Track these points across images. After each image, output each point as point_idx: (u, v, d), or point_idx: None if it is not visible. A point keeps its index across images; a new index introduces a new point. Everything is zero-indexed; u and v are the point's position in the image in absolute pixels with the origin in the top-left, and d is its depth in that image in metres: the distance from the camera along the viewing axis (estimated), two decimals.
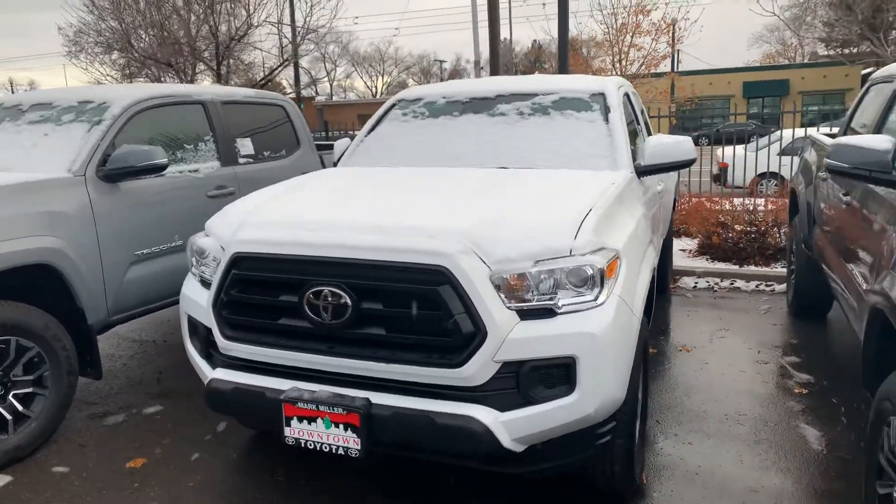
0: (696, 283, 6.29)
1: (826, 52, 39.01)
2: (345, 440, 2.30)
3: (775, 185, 10.81)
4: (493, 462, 2.33)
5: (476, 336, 2.18)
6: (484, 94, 3.93)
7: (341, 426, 2.29)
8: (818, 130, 6.65)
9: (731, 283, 6.21)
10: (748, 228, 6.86)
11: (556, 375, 2.25)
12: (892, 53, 19.65)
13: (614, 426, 2.46)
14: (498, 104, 3.83)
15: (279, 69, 18.08)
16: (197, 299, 2.73)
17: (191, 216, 4.20)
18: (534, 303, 2.25)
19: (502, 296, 2.23)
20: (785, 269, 6.09)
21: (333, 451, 2.32)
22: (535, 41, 65.08)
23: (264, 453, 3.31)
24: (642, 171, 3.41)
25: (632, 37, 12.54)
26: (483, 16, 14.03)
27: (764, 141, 11.49)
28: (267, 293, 2.44)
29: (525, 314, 2.25)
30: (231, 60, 15.09)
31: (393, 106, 4.16)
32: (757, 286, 6.14)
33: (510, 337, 2.19)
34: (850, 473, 2.98)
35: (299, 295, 2.33)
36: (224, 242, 2.61)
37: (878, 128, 3.48)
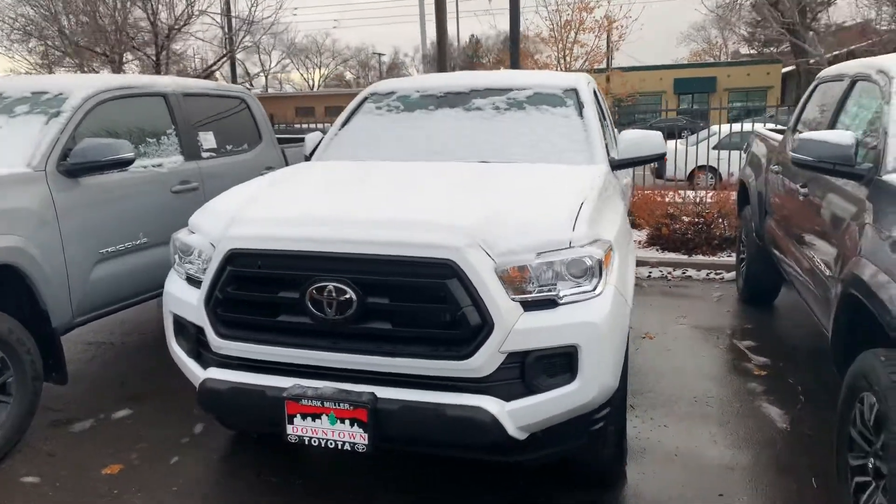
0: (651, 272, 6.52)
1: (748, 51, 40.88)
2: (351, 435, 2.29)
3: (711, 177, 11.30)
4: (497, 451, 2.37)
5: (483, 328, 2.21)
6: (458, 89, 3.96)
7: (347, 421, 2.28)
8: (765, 126, 6.98)
9: (684, 273, 6.47)
10: (696, 220, 7.15)
11: (558, 364, 2.31)
12: (824, 53, 20.71)
13: (608, 412, 2.54)
14: (473, 99, 3.86)
15: (223, 60, 17.49)
16: (184, 298, 2.65)
17: (155, 212, 4.07)
18: (536, 294, 2.30)
19: (506, 288, 2.27)
20: (733, 258, 6.39)
21: (339, 447, 2.31)
22: (472, 35, 65.50)
23: (246, 453, 3.25)
24: (616, 165, 3.51)
25: (576, 33, 12.79)
26: (430, 9, 14.02)
27: (703, 134, 11.95)
28: (265, 290, 2.40)
29: (528, 305, 2.29)
30: (166, 51, 14.48)
31: (365, 99, 4.13)
32: (707, 275, 6.41)
33: (515, 328, 2.24)
34: (814, 448, 3.17)
35: (301, 291, 2.31)
36: (215, 239, 2.55)
37: (832, 124, 3.70)
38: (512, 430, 2.26)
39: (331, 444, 2.32)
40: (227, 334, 2.46)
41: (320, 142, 4.02)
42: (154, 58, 14.27)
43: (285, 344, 2.39)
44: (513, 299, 2.27)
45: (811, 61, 29.84)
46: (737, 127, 9.92)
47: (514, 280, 2.28)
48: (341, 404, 2.28)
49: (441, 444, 2.36)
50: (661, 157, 3.61)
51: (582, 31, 12.82)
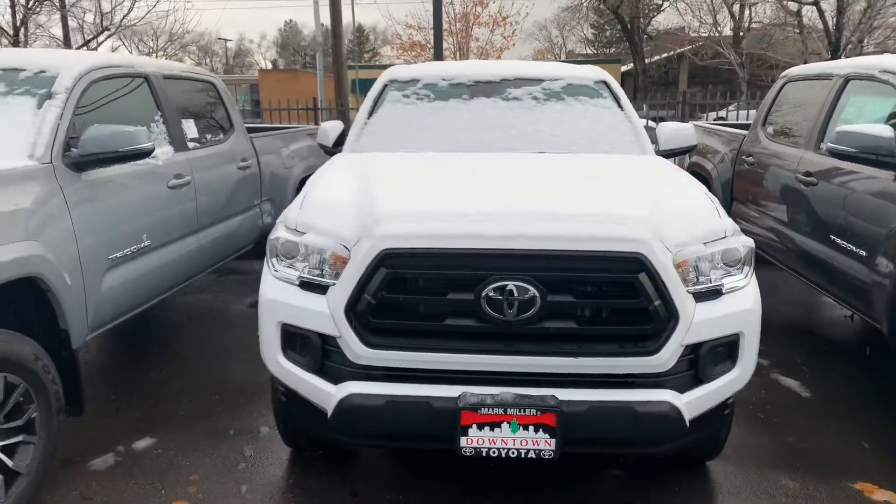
0: None
1: (585, 51, 43.80)
2: (534, 442, 2.17)
3: None
4: (668, 443, 2.35)
5: (670, 321, 2.19)
6: (488, 78, 3.86)
7: (531, 428, 2.16)
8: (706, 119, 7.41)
9: None
10: None
11: (722, 353, 2.35)
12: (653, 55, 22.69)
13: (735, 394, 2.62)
14: (507, 88, 3.79)
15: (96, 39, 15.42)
16: (302, 305, 2.34)
17: (154, 211, 3.58)
18: (706, 285, 2.31)
19: (681, 280, 2.26)
20: None
21: (523, 456, 2.18)
22: (357, 24, 64.13)
23: (323, 473, 2.96)
24: (662, 156, 3.61)
25: (471, 27, 12.97)
26: None
27: None
28: (430, 292, 2.19)
29: (699, 297, 2.30)
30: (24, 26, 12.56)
31: (385, 87, 3.89)
32: None
33: (694, 320, 2.24)
34: (830, 411, 3.48)
35: (475, 292, 2.13)
36: (348, 239, 2.28)
37: (826, 121, 4.06)
38: (688, 421, 2.26)
39: (512, 453, 2.18)
40: (377, 343, 2.22)
41: (343, 131, 3.74)
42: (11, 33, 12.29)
43: (450, 350, 2.21)
44: (688, 291, 2.26)
45: (647, 61, 32.68)
46: None
47: (686, 272, 2.28)
48: (527, 410, 2.14)
49: (624, 442, 2.30)
50: (693, 149, 3.77)
51: (477, 25, 13.03)
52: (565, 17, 37.76)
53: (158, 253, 3.56)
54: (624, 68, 34.38)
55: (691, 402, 2.27)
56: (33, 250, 2.60)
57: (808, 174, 4.01)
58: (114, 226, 3.20)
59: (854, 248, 3.47)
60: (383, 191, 2.56)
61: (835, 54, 13.84)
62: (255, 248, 4.78)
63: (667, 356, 2.20)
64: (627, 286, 2.16)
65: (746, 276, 2.41)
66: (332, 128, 3.75)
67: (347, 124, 9.99)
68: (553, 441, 2.16)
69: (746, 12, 29.58)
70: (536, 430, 2.16)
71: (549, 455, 2.18)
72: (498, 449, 2.18)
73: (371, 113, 3.75)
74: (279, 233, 2.50)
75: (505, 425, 2.16)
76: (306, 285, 2.39)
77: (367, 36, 56.39)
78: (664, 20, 36.98)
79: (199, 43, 62.00)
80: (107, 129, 3.03)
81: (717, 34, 33.01)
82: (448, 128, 3.57)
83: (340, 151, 3.69)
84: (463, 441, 2.17)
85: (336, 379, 2.32)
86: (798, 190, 4.12)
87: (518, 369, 2.21)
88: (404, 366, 2.24)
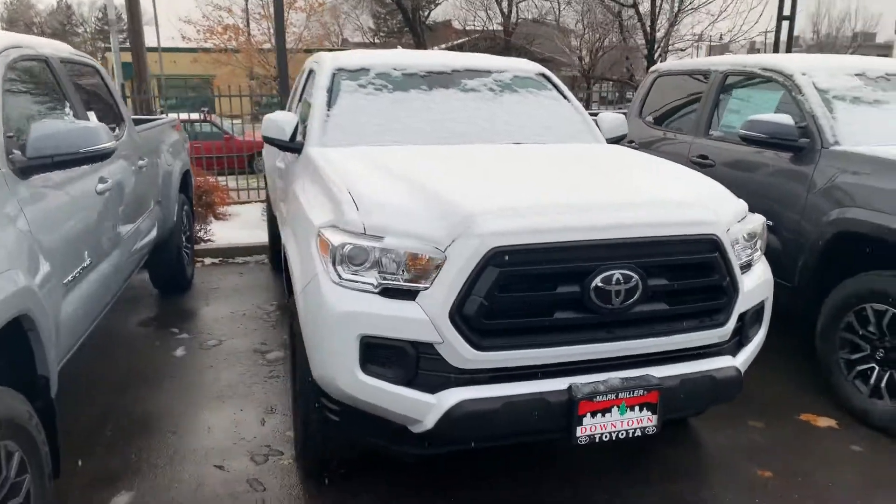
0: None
1: (361, 40, 44.15)
2: (638, 421, 2.27)
3: None
4: (733, 400, 2.57)
5: (735, 295, 2.42)
6: (439, 69, 3.81)
7: (637, 408, 2.26)
8: None
9: None
10: None
11: (754, 318, 2.66)
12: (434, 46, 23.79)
13: None
14: (461, 79, 3.78)
15: None
16: (391, 313, 2.17)
17: (89, 222, 3.01)
18: (743, 259, 2.58)
19: None
20: None
21: (630, 436, 2.27)
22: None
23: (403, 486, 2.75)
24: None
25: (288, 12, 12.44)
26: None
27: None
28: (539, 287, 2.17)
29: (741, 270, 2.56)
30: None
31: (335, 75, 3.65)
32: None
33: (744, 291, 2.50)
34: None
35: (584, 283, 2.17)
36: (439, 239, 2.16)
37: (712, 111, 4.68)
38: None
39: (621, 434, 2.26)
40: (487, 345, 2.14)
41: (298, 125, 3.44)
42: None
43: (559, 343, 2.21)
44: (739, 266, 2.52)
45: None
46: None
47: (735, 249, 2.52)
48: (635, 392, 2.24)
49: (700, 407, 2.50)
50: (625, 136, 4.10)
51: (294, 11, 12.56)
52: (343, 5, 37.64)
53: (96, 272, 2.99)
54: None
55: (742, 363, 2.55)
56: (20, 282, 2.05)
57: (704, 157, 4.59)
58: (65, 244, 2.62)
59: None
60: (442, 186, 2.44)
61: (651, 53, 15.73)
62: None
63: (731, 326, 2.44)
64: (707, 265, 2.35)
65: (761, 250, 2.75)
66: (286, 120, 3.41)
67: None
68: (655, 417, 2.29)
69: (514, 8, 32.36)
70: (641, 410, 2.27)
71: (652, 431, 2.30)
72: (609, 433, 2.25)
73: (329, 104, 3.50)
74: (339, 237, 2.27)
75: (614, 409, 2.24)
76: (388, 292, 2.22)
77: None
78: (443, 12, 38.76)
79: None
80: (58, 125, 2.47)
81: (491, 28, 35.47)
82: (421, 120, 3.47)
83: (297, 147, 3.40)
84: (578, 431, 2.21)
85: (431, 388, 2.19)
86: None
87: (618, 354, 2.29)
88: (514, 364, 2.19)
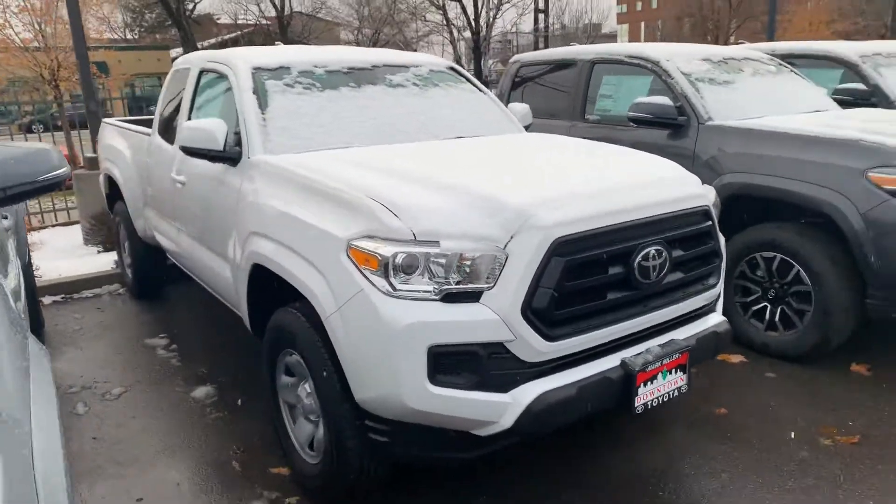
0: None
1: (129, 36, 40.19)
2: (675, 382, 2.47)
3: None
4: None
5: (721, 258, 2.74)
6: (360, 65, 3.67)
7: (673, 371, 2.45)
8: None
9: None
10: None
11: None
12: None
13: None
14: (384, 75, 3.68)
15: None
16: (457, 319, 2.11)
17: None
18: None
19: None
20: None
21: (671, 398, 2.46)
22: None
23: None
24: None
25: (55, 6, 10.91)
26: None
27: None
28: (595, 272, 2.25)
29: None
30: None
31: (254, 75, 3.34)
32: None
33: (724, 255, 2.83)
34: None
35: (625, 263, 2.30)
36: (497, 238, 2.15)
37: (584, 97, 5.09)
38: None
39: (665, 398, 2.44)
40: (557, 335, 2.18)
41: (230, 132, 3.11)
42: None
43: (611, 322, 2.32)
44: None
45: (200, 46, 32.29)
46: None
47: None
48: (674, 355, 2.43)
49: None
50: (531, 124, 4.32)
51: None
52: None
53: None
54: (174, 54, 32.63)
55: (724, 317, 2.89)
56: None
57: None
58: None
59: None
60: (467, 184, 2.38)
61: (477, 46, 16.32)
62: None
63: (721, 287, 2.75)
64: (706, 234, 2.61)
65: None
66: (215, 128, 3.02)
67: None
68: (685, 377, 2.51)
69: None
70: (676, 372, 2.47)
71: (685, 390, 2.52)
72: (657, 398, 2.41)
73: (262, 106, 3.19)
74: (389, 247, 2.14)
75: (659, 376, 2.41)
76: (451, 297, 2.14)
77: None
78: (209, 5, 36.49)
79: None
80: (11, 150, 1.98)
81: (264, 22, 34.25)
82: (363, 118, 3.32)
83: (233, 157, 3.09)
84: (636, 401, 2.34)
85: (501, 387, 2.18)
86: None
87: (651, 324, 2.46)
88: (576, 350, 2.26)
